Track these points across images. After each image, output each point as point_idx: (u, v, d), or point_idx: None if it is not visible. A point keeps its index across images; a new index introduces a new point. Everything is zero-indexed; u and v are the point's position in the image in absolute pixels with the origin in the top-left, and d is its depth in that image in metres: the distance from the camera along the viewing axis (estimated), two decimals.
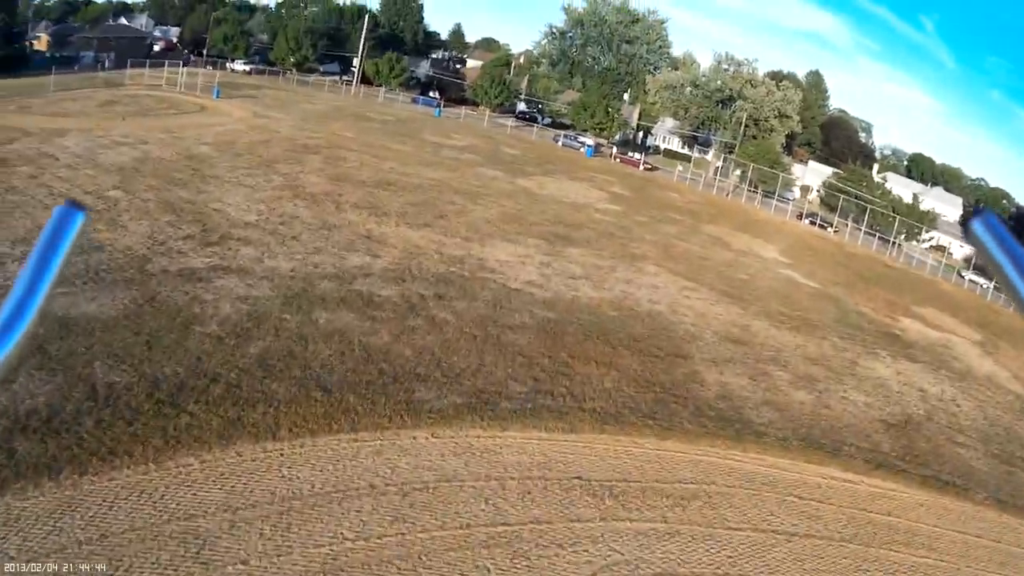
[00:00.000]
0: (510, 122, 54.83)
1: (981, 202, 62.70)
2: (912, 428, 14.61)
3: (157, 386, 9.42)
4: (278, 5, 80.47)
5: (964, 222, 0.67)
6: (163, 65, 51.25)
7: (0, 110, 32.00)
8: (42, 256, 0.63)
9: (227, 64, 65.06)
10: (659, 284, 20.19)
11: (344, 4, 77.62)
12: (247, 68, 65.40)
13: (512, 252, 20.14)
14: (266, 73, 64.63)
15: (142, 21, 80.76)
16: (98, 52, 59.66)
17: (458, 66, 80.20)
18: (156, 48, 71.50)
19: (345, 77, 67.58)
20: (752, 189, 44.18)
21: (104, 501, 7.43)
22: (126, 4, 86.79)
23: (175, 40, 77.79)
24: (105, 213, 17.64)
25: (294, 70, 63.63)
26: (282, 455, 8.51)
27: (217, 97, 43.89)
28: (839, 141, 69.59)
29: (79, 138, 27.70)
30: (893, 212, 41.03)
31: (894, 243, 40.16)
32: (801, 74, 70.74)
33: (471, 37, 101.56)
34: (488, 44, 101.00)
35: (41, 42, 65.05)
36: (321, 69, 70.11)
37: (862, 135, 78.95)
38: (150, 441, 8.27)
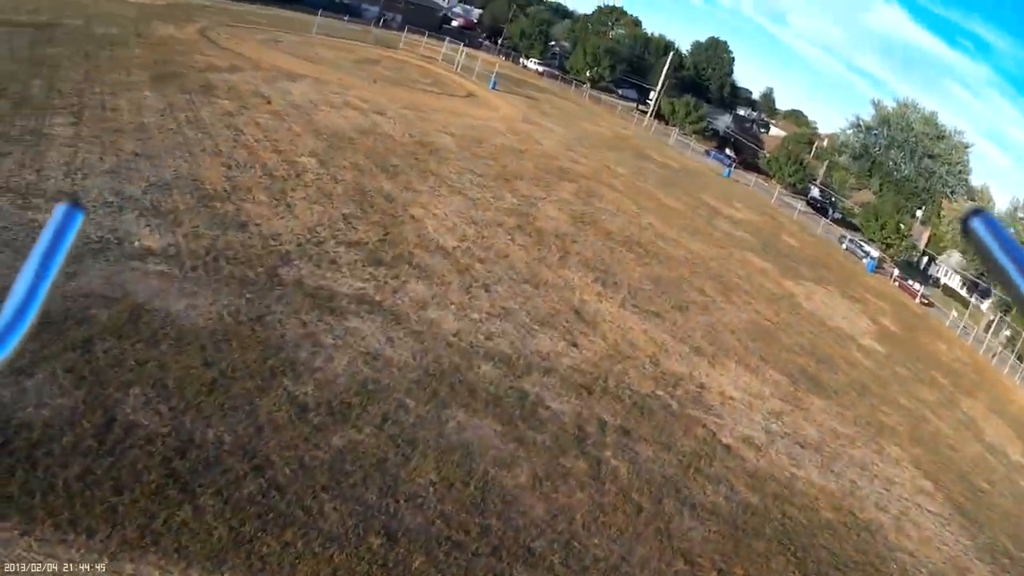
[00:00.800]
0: (799, 205, 63.65)
1: None
2: None
3: (183, 451, 9.17)
4: (584, 17, 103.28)
5: (964, 221, 0.82)
6: (444, 40, 63.88)
7: (244, 37, 38.31)
8: (42, 256, 0.84)
9: (521, 59, 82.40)
10: (896, 478, 18.02)
11: (652, 35, 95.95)
12: (540, 68, 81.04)
13: (744, 385, 18.68)
14: (559, 79, 79.51)
15: None
16: (383, 9, 75.14)
17: (761, 130, 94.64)
18: (454, 24, 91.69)
19: (640, 106, 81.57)
20: (1018, 359, 48.11)
21: None
22: None
23: (475, 21, 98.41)
24: (279, 182, 19.24)
25: (588, 84, 78.06)
26: None
27: (492, 88, 51.21)
28: None
29: (309, 88, 31.70)
30: None
31: None
32: None
33: (781, 104, 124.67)
34: (796, 116, 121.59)
35: None
36: (619, 92, 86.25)
37: None
38: (124, 527, 7.87)
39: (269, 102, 27.30)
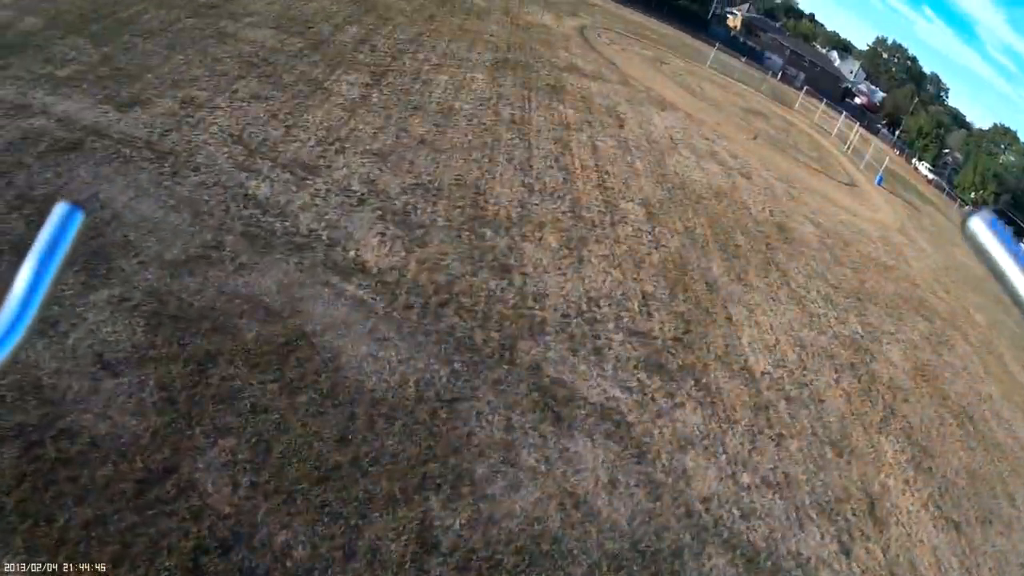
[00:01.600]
0: None
1: None
2: None
3: (228, 548, 7.77)
4: (979, 133, 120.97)
5: (963, 222, 0.96)
6: (842, 113, 72.25)
7: (627, 47, 38.52)
8: (41, 257, 0.95)
9: (913, 159, 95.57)
10: None
11: None
12: (930, 175, 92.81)
13: None
14: (945, 192, 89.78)
15: (851, 67, 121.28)
16: (787, 64, 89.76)
17: None
18: (856, 100, 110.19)
19: None
20: None
21: None
22: (845, 45, 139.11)
23: (877, 104, 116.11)
24: (582, 227, 18.21)
25: (969, 207, 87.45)
26: None
27: (878, 183, 54.25)
28: None
29: (677, 124, 30.79)
30: None
31: None
32: None
33: None
34: None
35: (734, 20, 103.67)
36: None
37: None
38: None
39: (622, 125, 26.42)
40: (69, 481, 7.60)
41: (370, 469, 9.39)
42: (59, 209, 0.98)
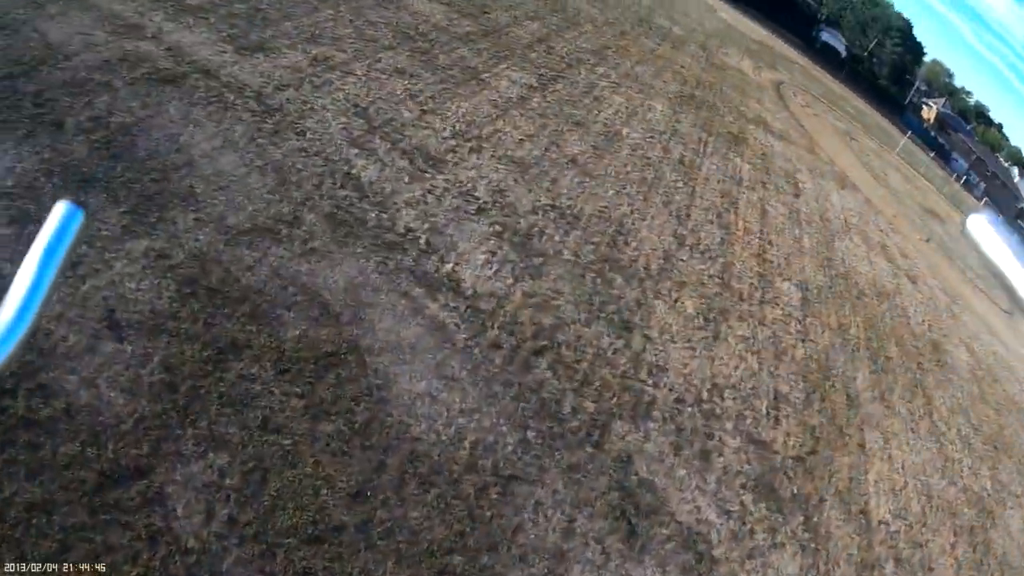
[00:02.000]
0: None
1: None
2: None
3: None
4: None
5: (963, 221, 0.71)
6: (1012, 233, 70.56)
7: (820, 114, 36.78)
8: (43, 256, 0.95)
9: None
10: None
11: None
12: None
13: None
14: None
15: None
16: (971, 169, 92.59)
17: None
18: None
19: None
20: None
21: None
22: None
23: None
24: (727, 297, 16.42)
25: None
26: None
27: None
28: None
29: (853, 206, 29.91)
30: None
31: None
32: None
33: None
34: None
35: (929, 112, 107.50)
36: None
37: None
38: None
39: (797, 195, 24.38)
40: (28, 448, 6.57)
41: (379, 542, 7.69)
42: (59, 208, 0.99)
